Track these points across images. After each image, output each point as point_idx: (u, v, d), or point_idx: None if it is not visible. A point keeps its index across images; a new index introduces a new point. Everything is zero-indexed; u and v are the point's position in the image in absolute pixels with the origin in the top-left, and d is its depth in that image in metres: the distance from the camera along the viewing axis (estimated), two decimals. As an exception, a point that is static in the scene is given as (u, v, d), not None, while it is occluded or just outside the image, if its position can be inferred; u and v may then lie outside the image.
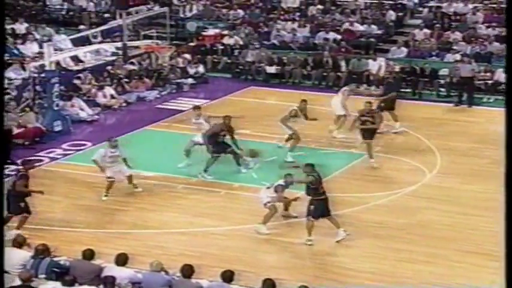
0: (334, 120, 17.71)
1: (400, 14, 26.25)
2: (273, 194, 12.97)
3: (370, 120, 16.08)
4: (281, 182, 12.97)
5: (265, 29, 25.86)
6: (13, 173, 13.21)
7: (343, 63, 23.16)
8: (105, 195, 14.35)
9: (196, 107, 16.96)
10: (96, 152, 14.69)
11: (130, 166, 14.64)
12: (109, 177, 14.40)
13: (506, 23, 6.09)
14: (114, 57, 23.05)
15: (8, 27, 24.66)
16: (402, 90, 21.89)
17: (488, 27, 24.17)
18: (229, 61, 24.55)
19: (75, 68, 22.31)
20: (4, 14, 12.81)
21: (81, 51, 22.54)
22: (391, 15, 25.94)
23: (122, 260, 9.90)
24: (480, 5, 25.80)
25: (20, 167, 13.04)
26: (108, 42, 23.76)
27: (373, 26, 25.19)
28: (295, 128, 16.37)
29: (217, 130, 15.66)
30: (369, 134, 16.08)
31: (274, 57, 23.91)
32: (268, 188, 13.18)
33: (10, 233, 11.48)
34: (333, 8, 26.76)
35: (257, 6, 27.65)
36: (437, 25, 24.75)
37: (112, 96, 21.04)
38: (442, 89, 21.82)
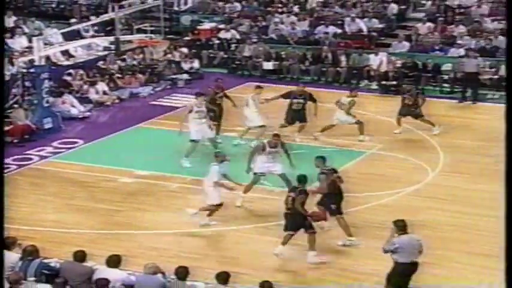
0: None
1: (402, 7, 26.26)
2: None
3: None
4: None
5: (263, 23, 25.86)
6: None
7: (343, 58, 23.19)
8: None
9: (259, 87, 17.60)
10: (212, 172, 13.12)
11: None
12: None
13: (507, 19, 6.13)
14: (106, 52, 23.05)
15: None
16: (404, 85, 21.98)
17: (493, 20, 24.17)
18: (225, 56, 24.56)
19: (66, 63, 22.34)
20: (4, 14, 12.78)
21: (72, 46, 22.50)
22: (393, 8, 25.94)
23: (113, 261, 9.88)
24: (485, -3, 25.83)
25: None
26: (100, 36, 23.74)
27: (375, 20, 25.21)
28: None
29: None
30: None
31: (272, 52, 23.94)
32: None
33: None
34: (333, 1, 26.78)
35: (254, -1, 27.67)
36: (441, 18, 24.77)
37: (104, 93, 21.06)
38: (446, 85, 21.86)
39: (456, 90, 21.47)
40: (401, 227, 10.46)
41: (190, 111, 16.03)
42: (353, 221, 13.23)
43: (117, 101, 21.05)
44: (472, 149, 17.08)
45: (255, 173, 14.13)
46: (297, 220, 11.94)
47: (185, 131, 16.04)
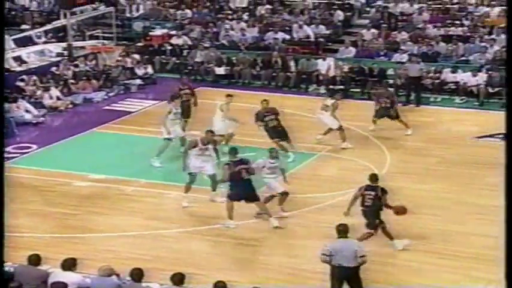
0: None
1: (348, 14, 26.54)
2: None
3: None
4: None
5: (214, 29, 25.85)
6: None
7: (292, 64, 23.31)
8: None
9: (229, 95, 17.16)
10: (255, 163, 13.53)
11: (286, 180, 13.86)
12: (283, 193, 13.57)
13: (507, 24, 6.18)
14: (59, 58, 22.78)
15: None
16: (352, 90, 22.24)
17: (434, 27, 24.63)
18: (177, 62, 24.46)
19: (19, 69, 21.99)
20: (4, 14, 12.37)
21: (25, 52, 22.19)
22: (339, 15, 26.21)
23: (68, 264, 9.75)
24: (425, 5, 26.29)
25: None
26: (53, 42, 23.46)
27: (322, 26, 25.40)
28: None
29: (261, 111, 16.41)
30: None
31: (223, 57, 23.93)
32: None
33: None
34: (281, 8, 26.92)
35: (205, 6, 27.64)
36: (385, 25, 25.12)
37: (58, 98, 20.79)
38: (391, 89, 22.11)
39: (400, 94, 21.76)
40: (339, 231, 10.45)
41: (170, 113, 16.21)
42: (304, 222, 13.33)
43: (70, 106, 20.80)
44: (416, 150, 17.33)
45: (189, 173, 14.09)
46: (373, 217, 12.14)
47: (168, 136, 16.10)
